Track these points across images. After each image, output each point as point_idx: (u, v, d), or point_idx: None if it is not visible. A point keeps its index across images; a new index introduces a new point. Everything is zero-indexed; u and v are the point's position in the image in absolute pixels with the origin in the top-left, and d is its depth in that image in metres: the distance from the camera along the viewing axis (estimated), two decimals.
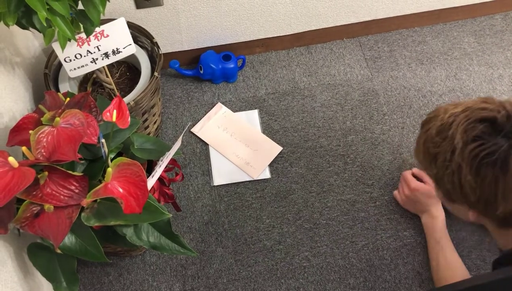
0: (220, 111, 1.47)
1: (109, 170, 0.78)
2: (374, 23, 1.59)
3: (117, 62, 1.32)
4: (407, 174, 1.29)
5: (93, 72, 1.18)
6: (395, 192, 1.32)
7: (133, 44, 1.12)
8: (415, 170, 1.30)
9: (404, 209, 1.31)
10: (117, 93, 1.22)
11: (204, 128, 1.44)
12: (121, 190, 0.78)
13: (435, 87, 1.53)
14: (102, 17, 0.95)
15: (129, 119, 0.84)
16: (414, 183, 1.25)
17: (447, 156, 0.86)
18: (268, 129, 1.45)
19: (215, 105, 1.48)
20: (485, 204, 0.85)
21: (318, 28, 1.56)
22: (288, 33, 1.55)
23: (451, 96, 1.51)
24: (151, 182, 0.92)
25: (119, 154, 1.00)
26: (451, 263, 1.16)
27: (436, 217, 1.22)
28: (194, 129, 1.43)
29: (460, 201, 0.90)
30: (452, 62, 1.59)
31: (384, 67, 1.57)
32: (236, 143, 1.42)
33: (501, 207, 0.83)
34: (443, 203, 1.12)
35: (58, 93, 0.97)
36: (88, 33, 0.97)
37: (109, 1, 0.89)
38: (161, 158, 0.94)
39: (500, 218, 0.87)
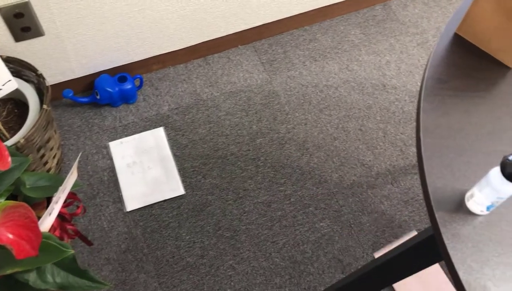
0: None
1: None
2: (265, 27, 1.64)
3: (3, 100, 1.25)
4: None
5: None
6: None
7: (13, 80, 1.06)
8: None
9: (317, 200, 1.34)
10: (6, 134, 1.15)
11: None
12: (10, 236, 0.73)
13: (331, 81, 1.60)
14: None
15: (9, 159, 0.79)
16: None
17: None
18: (176, 145, 1.43)
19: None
20: None
21: (211, 38, 1.57)
22: (182, 47, 1.55)
23: (346, 87, 1.59)
24: (49, 220, 0.87)
25: (13, 197, 0.94)
26: None
27: None
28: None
29: None
30: (343, 55, 1.67)
31: (280, 68, 1.62)
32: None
33: None
34: None
35: None
36: None
37: None
38: (56, 194, 0.89)
39: None
